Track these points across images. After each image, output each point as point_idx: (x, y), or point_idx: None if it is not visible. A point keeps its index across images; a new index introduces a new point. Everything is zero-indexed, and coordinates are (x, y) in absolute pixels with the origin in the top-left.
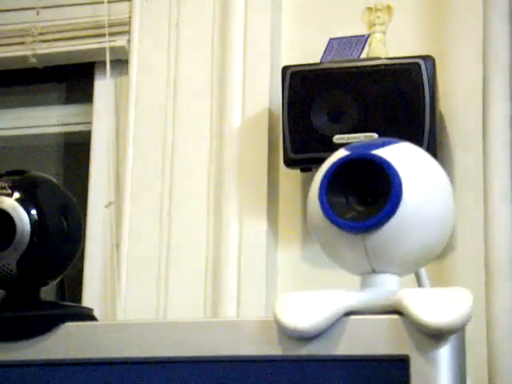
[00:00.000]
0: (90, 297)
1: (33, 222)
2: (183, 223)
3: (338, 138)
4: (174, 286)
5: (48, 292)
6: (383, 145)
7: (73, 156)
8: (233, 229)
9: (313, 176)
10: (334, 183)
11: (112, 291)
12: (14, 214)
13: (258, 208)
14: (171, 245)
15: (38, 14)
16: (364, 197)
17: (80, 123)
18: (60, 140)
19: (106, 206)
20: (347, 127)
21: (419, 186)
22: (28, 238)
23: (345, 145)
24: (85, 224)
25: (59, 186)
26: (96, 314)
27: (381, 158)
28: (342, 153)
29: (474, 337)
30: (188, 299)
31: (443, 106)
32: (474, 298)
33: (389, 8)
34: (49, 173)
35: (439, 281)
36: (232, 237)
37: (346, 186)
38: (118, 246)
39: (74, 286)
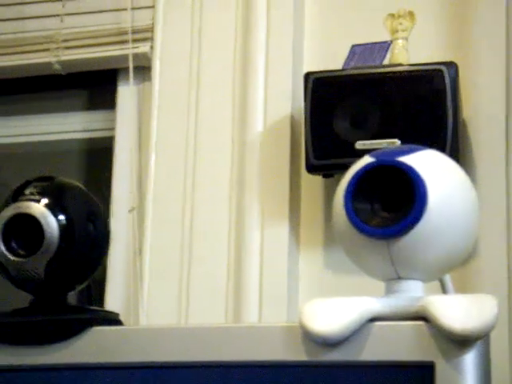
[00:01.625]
0: (113, 301)
1: (61, 228)
2: (205, 228)
3: (360, 144)
4: (196, 291)
5: (73, 296)
6: (408, 152)
7: (96, 162)
8: (255, 234)
9: (335, 182)
10: (360, 190)
11: (135, 296)
12: (42, 220)
13: (280, 214)
14: (193, 250)
15: (62, 21)
16: (389, 203)
17: (103, 129)
18: (83, 146)
19: (129, 211)
20: (369, 133)
21: (444, 193)
22: (56, 243)
23: (367, 151)
24: None
25: (86, 192)
26: None
27: (406, 164)
28: (367, 159)
29: (497, 343)
30: (210, 304)
31: (466, 112)
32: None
33: (411, 14)
34: (72, 178)
35: (462, 287)
36: (254, 242)
37: (372, 193)
38: (140, 250)
39: (97, 290)
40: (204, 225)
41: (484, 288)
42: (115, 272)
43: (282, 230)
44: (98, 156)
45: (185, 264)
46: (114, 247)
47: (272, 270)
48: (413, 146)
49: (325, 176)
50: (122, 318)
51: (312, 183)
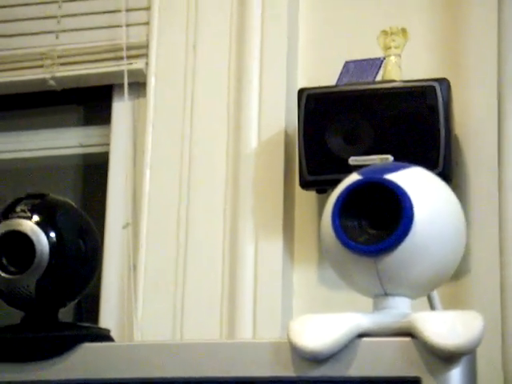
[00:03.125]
0: (107, 317)
1: (52, 245)
2: (200, 244)
3: (353, 160)
4: (191, 307)
5: (65, 313)
6: (395, 169)
7: (91, 177)
8: (249, 250)
9: (328, 197)
10: (347, 207)
11: (129, 312)
12: (33, 237)
13: (273, 229)
14: (187, 266)
15: (57, 37)
16: (376, 220)
17: (98, 145)
18: (78, 161)
19: (124, 227)
20: (362, 149)
21: (431, 210)
22: (47, 260)
23: (360, 167)
24: (102, 245)
25: (77, 209)
26: (113, 334)
27: (392, 182)
28: (354, 177)
29: (490, 359)
30: (204, 320)
31: (458, 128)
32: (489, 321)
33: (404, 31)
34: (67, 194)
35: (454, 303)
36: (248, 258)
37: (359, 210)
38: (134, 266)
39: (91, 307)
40: (198, 240)
41: (476, 305)
42: (109, 288)
43: (276, 245)
44: (92, 172)
45: (179, 279)
46: (109, 263)
47: (266, 285)
48: (399, 164)
49: (318, 191)
50: (116, 334)
51: (306, 199)
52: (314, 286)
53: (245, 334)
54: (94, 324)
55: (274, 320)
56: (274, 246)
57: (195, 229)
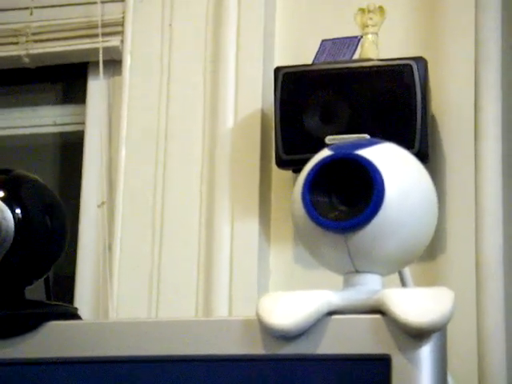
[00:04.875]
0: (82, 296)
1: (17, 221)
2: (175, 223)
3: (329, 139)
4: (166, 287)
5: (34, 292)
6: (367, 145)
7: (66, 156)
8: (225, 229)
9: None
10: (318, 183)
11: (104, 291)
12: None
13: (250, 208)
14: (163, 245)
15: (31, 13)
16: (347, 197)
17: (73, 123)
18: (53, 140)
19: (99, 206)
20: (339, 128)
21: (402, 186)
22: (12, 236)
23: None
24: (77, 224)
25: (45, 185)
26: (88, 313)
27: (363, 157)
28: (325, 153)
29: (465, 338)
30: (180, 299)
31: (435, 107)
32: (464, 299)
33: (381, 9)
34: (42, 173)
35: (430, 282)
36: (224, 237)
37: (330, 186)
38: (110, 245)
39: (66, 286)
40: (174, 219)
41: (452, 283)
42: (85, 267)
43: (252, 224)
44: (68, 150)
45: (155, 259)
46: (84, 242)
47: (242, 263)
48: (371, 140)
49: (294, 171)
50: (91, 313)
51: (282, 178)
52: (290, 265)
53: (221, 312)
54: (68, 303)
55: (250, 299)
56: (250, 225)
57: (171, 208)
